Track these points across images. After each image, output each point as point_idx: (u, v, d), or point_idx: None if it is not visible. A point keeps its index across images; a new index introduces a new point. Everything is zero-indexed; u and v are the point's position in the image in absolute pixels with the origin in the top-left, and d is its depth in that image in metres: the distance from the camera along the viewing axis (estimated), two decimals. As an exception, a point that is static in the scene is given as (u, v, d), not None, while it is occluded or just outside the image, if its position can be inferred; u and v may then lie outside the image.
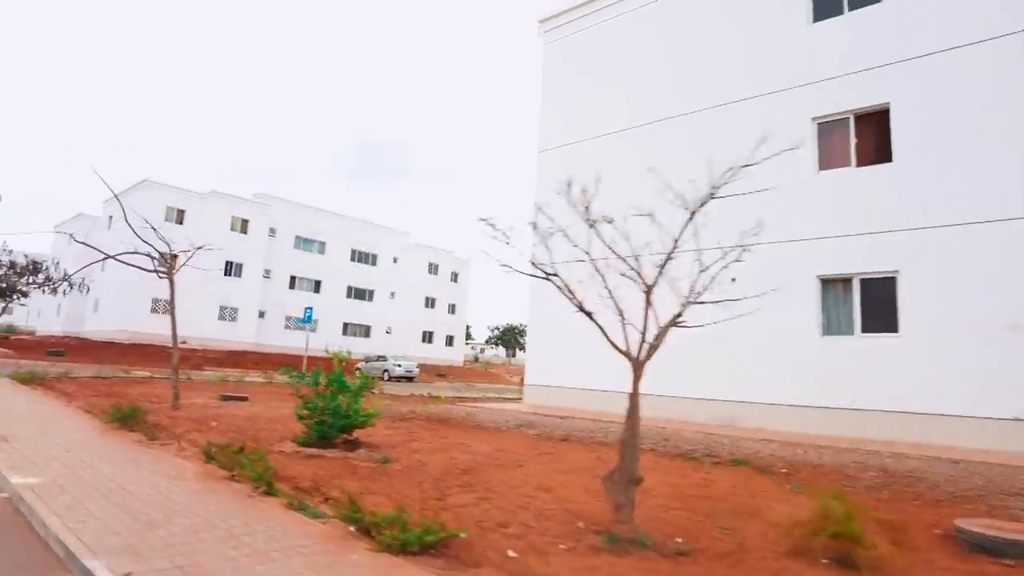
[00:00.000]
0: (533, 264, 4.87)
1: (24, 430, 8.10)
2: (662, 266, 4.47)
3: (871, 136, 10.86)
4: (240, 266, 42.40)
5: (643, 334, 4.62)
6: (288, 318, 46.14)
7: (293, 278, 46.74)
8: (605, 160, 14.30)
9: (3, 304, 31.89)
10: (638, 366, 4.84)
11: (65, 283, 32.62)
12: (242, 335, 41.98)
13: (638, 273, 4.59)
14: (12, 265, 31.45)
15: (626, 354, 4.94)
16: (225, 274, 41.65)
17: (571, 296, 4.87)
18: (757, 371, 11.31)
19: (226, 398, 14.87)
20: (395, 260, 53.61)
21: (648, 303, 4.49)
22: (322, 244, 48.68)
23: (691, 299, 4.94)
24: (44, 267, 32.31)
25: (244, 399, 15.15)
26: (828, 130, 11.42)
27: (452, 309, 57.17)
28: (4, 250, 31.44)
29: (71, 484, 5.34)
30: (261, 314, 43.95)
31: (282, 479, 5.85)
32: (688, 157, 12.29)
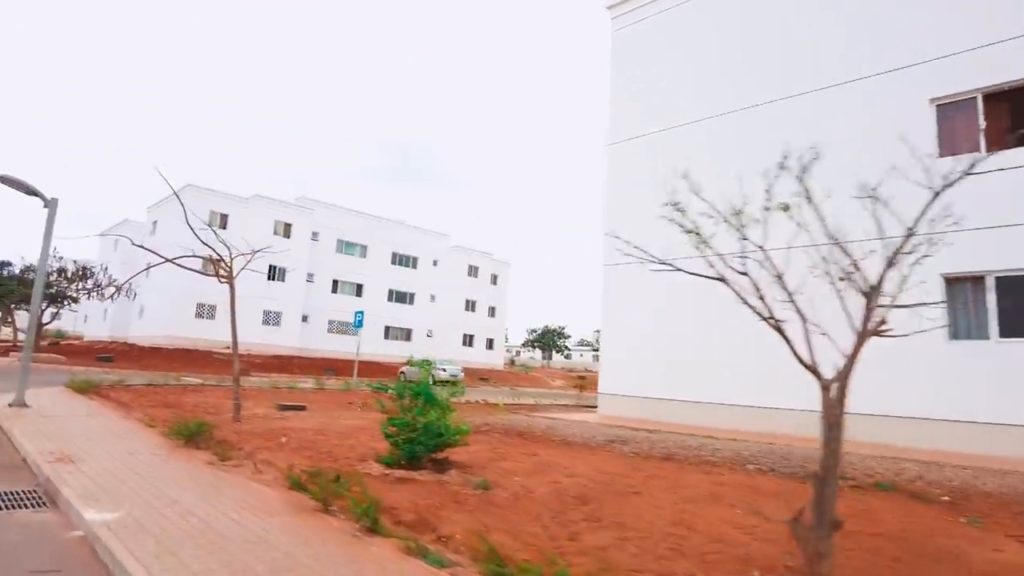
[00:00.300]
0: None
1: (88, 448, 7.49)
2: (891, 260, 3.52)
3: (1004, 117, 9.68)
4: (283, 270, 42.33)
5: (854, 352, 3.67)
6: (331, 322, 45.95)
7: (335, 282, 46.58)
8: (690, 150, 13.31)
9: (54, 310, 32.19)
10: (835, 386, 3.89)
11: (113, 289, 32.78)
12: (285, 340, 41.88)
13: (859, 271, 3.65)
14: (62, 271, 31.69)
15: (812, 370, 4.00)
16: (268, 278, 41.59)
17: (757, 303, 3.94)
18: (870, 380, 10.16)
19: (284, 408, 14.30)
20: (435, 263, 53.15)
21: (870, 308, 3.54)
22: (363, 247, 48.44)
23: (889, 303, 3.99)
24: (93, 273, 32.49)
25: (302, 408, 14.57)
26: (950, 112, 10.24)
27: (492, 312, 56.49)
28: (55, 256, 31.71)
29: (151, 521, 4.62)
30: (304, 318, 43.81)
31: (380, 510, 5.04)
32: (786, 143, 11.26)
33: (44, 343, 41.63)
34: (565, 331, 75.34)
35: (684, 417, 12.53)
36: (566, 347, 79.37)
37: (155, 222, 44.80)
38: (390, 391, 7.41)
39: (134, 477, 6.09)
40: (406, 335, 50.69)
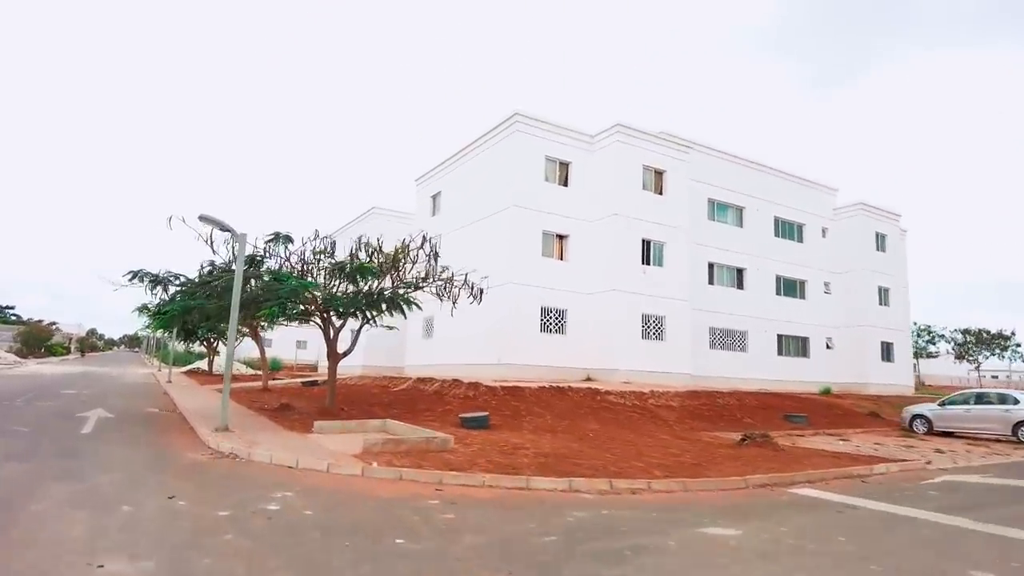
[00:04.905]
0: None
1: None
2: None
3: None
4: (660, 248, 25.48)
5: None
6: (712, 330, 28.40)
7: (711, 265, 29.11)
8: None
9: (364, 322, 17.07)
10: None
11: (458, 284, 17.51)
12: (670, 361, 24.81)
13: None
14: (370, 251, 16.59)
15: None
16: (643, 260, 24.91)
17: None
18: None
19: None
20: (823, 232, 34.14)
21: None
22: (739, 210, 30.68)
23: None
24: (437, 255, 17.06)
25: None
26: None
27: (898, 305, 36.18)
28: (359, 242, 16.83)
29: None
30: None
31: None
32: None
33: (285, 377, 28.59)
34: (1009, 333, 50.49)
35: None
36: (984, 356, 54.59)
37: (436, 195, 30.18)
38: None
39: None
40: (800, 347, 32.01)
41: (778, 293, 31.34)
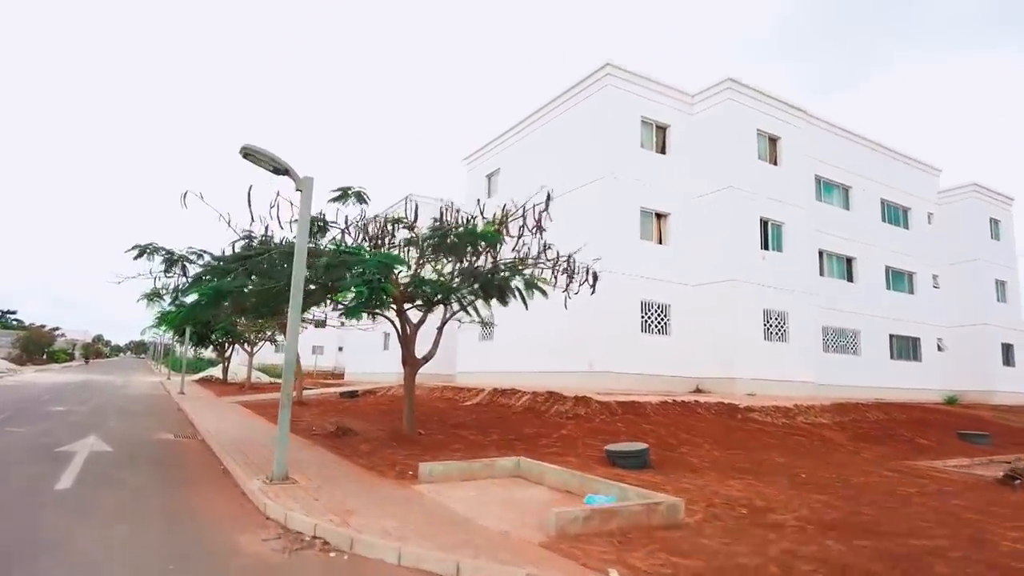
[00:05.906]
0: None
1: None
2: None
3: None
4: (778, 229, 21.06)
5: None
6: (826, 331, 23.83)
7: (821, 253, 24.59)
8: None
9: (454, 313, 12.68)
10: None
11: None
12: (794, 367, 20.32)
13: None
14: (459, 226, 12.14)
15: None
16: (762, 245, 20.47)
17: None
18: None
19: None
20: (929, 217, 29.60)
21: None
22: (844, 190, 26.17)
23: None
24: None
25: None
26: None
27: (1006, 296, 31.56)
28: (447, 205, 12.41)
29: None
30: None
31: None
32: None
33: (340, 389, 23.69)
34: None
35: None
36: None
37: (492, 174, 25.81)
38: None
39: None
40: (911, 348, 27.42)
41: (888, 287, 26.79)
